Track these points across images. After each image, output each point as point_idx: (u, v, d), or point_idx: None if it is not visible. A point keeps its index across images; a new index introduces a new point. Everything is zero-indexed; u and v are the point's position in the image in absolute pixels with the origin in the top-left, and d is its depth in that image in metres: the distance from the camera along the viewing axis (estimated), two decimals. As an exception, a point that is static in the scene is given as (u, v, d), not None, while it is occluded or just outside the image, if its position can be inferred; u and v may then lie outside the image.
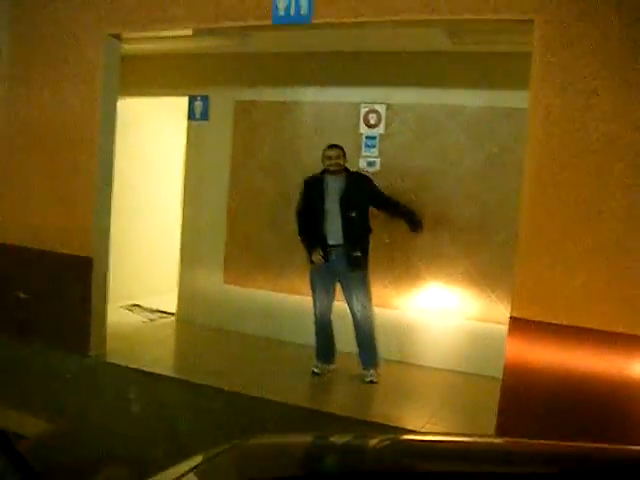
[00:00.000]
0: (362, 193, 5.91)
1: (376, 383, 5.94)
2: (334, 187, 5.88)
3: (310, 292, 6.11)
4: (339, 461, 1.80)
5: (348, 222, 5.83)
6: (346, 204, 5.84)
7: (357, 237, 5.87)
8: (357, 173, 6.09)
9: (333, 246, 5.86)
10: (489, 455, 1.77)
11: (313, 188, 5.97)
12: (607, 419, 4.14)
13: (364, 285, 5.92)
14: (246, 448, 1.87)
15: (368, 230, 5.97)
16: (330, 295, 6.02)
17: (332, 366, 6.18)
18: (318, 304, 6.03)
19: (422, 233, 6.06)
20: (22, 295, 6.28)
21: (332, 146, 5.95)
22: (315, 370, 6.09)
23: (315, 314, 6.06)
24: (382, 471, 1.58)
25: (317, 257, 5.87)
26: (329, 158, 5.87)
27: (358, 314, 5.91)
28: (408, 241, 6.43)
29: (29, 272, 6.38)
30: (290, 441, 1.99)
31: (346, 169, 5.98)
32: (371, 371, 5.97)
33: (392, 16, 4.82)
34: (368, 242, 5.95)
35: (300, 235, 6.04)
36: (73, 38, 6.09)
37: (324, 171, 5.96)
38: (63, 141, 6.19)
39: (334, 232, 5.85)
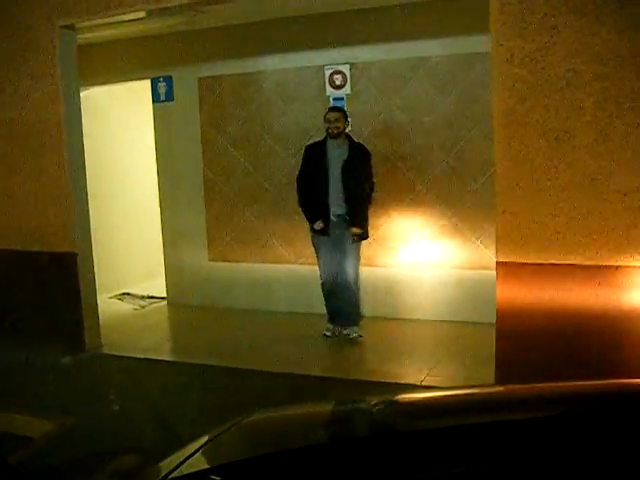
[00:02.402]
0: (361, 165, 5.91)
1: (362, 337, 6.05)
2: (336, 155, 5.87)
3: (313, 258, 6.23)
4: (342, 429, 1.82)
5: (350, 191, 5.84)
6: (348, 173, 5.83)
7: (359, 206, 5.90)
8: (360, 144, 6.03)
9: (336, 215, 5.89)
10: (491, 405, 1.79)
11: (315, 154, 5.94)
12: (603, 351, 4.19)
13: (358, 250, 6.02)
14: (249, 424, 1.88)
15: (369, 200, 6.01)
16: (336, 259, 6.02)
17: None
18: (324, 270, 6.07)
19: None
20: None
21: (331, 109, 6.04)
22: (326, 333, 6.16)
23: (321, 279, 6.11)
24: (386, 434, 1.60)
25: (319, 225, 5.88)
26: (328, 121, 5.86)
27: (349, 276, 5.97)
28: (388, 198, 6.44)
29: (15, 274, 6.34)
30: (292, 413, 2.00)
31: (349, 137, 5.98)
32: (355, 327, 6.10)
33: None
34: (367, 209, 6.00)
35: (301, 205, 6.04)
36: (27, 33, 5.97)
37: (326, 137, 5.93)
38: (31, 139, 6.11)
39: (337, 201, 5.87)
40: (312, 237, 6.09)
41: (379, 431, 1.69)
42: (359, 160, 5.89)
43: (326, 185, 5.86)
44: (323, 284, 6.12)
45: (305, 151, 6.07)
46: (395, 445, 1.47)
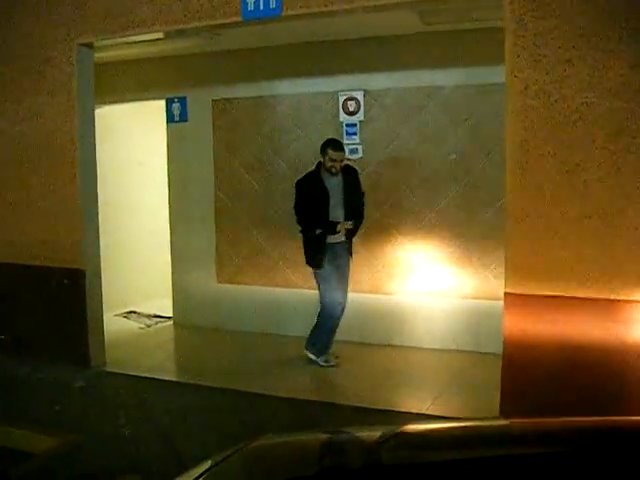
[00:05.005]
0: (354, 185, 5.95)
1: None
2: (333, 183, 5.83)
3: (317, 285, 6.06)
4: (347, 457, 1.80)
5: (348, 213, 5.86)
6: (347, 197, 5.86)
7: (355, 226, 5.93)
8: (348, 166, 5.98)
9: (338, 241, 5.88)
10: (495, 439, 1.77)
11: (314, 189, 5.81)
12: (610, 386, 4.16)
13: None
14: (253, 450, 1.86)
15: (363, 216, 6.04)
16: (340, 286, 5.98)
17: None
18: (335, 298, 5.92)
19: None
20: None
21: (337, 147, 5.78)
22: (330, 362, 6.09)
23: (328, 308, 5.96)
24: (390, 465, 1.59)
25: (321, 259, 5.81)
26: (333, 160, 5.74)
27: (344, 301, 5.99)
28: (397, 225, 6.44)
29: (22, 289, 6.35)
30: (296, 440, 1.99)
31: None
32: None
33: (362, 2, 4.79)
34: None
35: (306, 227, 5.89)
36: (44, 50, 6.04)
37: (319, 167, 5.87)
38: (44, 154, 6.15)
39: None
40: (320, 268, 5.90)
41: (383, 462, 1.67)
42: (353, 182, 5.94)
43: (328, 214, 5.80)
44: (330, 313, 5.96)
45: (299, 186, 5.89)
46: (399, 477, 1.45)
